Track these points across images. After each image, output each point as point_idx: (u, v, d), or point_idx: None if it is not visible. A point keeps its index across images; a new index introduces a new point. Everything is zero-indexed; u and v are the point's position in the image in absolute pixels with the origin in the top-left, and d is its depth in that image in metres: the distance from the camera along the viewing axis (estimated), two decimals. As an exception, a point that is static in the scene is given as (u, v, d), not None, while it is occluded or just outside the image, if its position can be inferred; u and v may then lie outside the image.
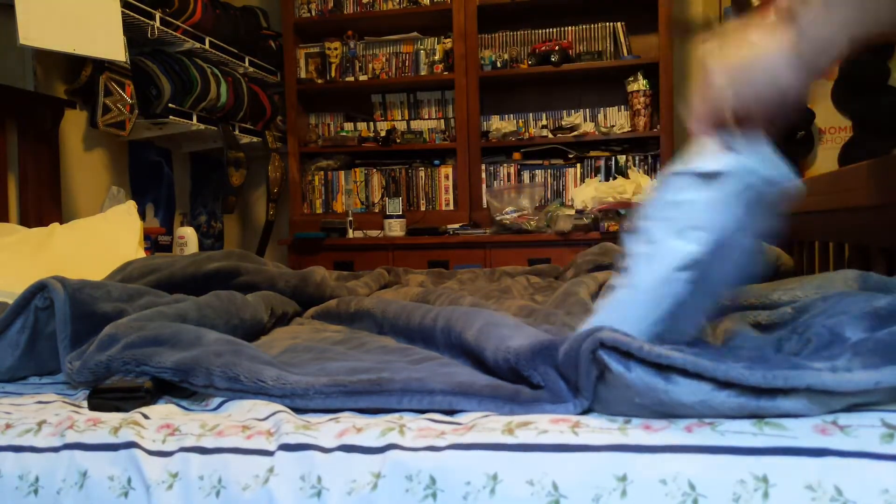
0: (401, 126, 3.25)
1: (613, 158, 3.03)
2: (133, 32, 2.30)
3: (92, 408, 0.68)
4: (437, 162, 3.19)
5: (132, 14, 2.23)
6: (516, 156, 3.12)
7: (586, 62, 2.96)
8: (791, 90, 0.57)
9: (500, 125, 3.13)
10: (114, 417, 0.64)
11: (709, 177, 0.58)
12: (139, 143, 2.67)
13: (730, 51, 0.61)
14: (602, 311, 0.64)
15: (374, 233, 3.07)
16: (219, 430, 0.60)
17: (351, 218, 3.05)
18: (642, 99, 2.92)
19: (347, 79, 3.21)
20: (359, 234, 3.08)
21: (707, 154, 0.59)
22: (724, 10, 2.88)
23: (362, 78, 3.20)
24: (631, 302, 0.61)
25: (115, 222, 1.77)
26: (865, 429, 0.48)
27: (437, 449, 0.54)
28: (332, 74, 3.23)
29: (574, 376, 0.56)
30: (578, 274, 1.52)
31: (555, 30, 3.08)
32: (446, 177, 3.18)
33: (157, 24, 2.35)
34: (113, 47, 2.03)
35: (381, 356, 0.81)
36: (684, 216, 0.59)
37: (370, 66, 3.22)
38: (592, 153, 3.06)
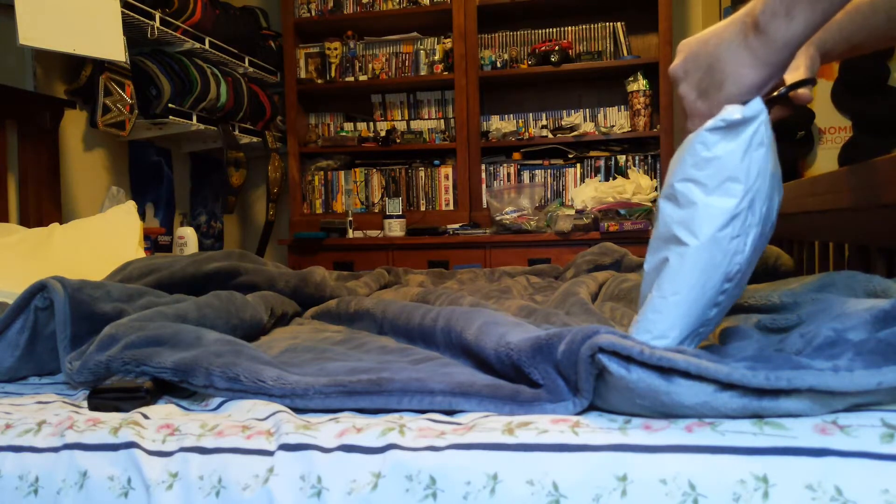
0: (401, 126, 3.25)
1: (613, 158, 3.03)
2: (133, 32, 2.30)
3: (92, 408, 0.68)
4: (437, 162, 3.19)
5: (132, 14, 2.23)
6: (516, 156, 3.13)
7: (586, 62, 2.96)
8: (759, 87, 0.59)
9: (500, 125, 3.13)
10: (114, 417, 0.64)
11: (736, 125, 0.58)
12: (139, 143, 2.67)
13: (694, 62, 0.63)
14: (659, 285, 0.62)
15: (374, 233, 3.07)
16: (219, 430, 0.60)
17: (351, 218, 3.05)
18: (642, 99, 2.92)
19: (347, 79, 3.21)
20: (359, 234, 3.08)
21: (727, 108, 0.59)
22: (723, 10, 2.89)
23: (362, 78, 3.20)
24: (685, 268, 0.60)
25: (115, 222, 1.77)
26: (865, 429, 0.48)
27: (437, 449, 0.54)
28: (332, 74, 3.23)
29: (573, 376, 0.56)
30: (578, 274, 1.52)
31: (555, 30, 3.08)
32: (446, 177, 3.18)
33: (157, 24, 2.35)
34: (113, 47, 2.03)
35: (381, 356, 0.81)
36: (719, 171, 0.58)
37: (370, 66, 3.22)
38: (592, 153, 3.06)
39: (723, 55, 0.60)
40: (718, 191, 0.59)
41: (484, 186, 3.12)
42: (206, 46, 2.65)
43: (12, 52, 2.06)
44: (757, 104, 0.58)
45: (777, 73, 0.59)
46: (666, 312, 0.61)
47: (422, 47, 3.18)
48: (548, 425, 0.54)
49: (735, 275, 0.61)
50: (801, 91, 0.66)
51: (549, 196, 3.12)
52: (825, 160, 2.65)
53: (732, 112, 0.58)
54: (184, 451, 0.58)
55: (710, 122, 0.59)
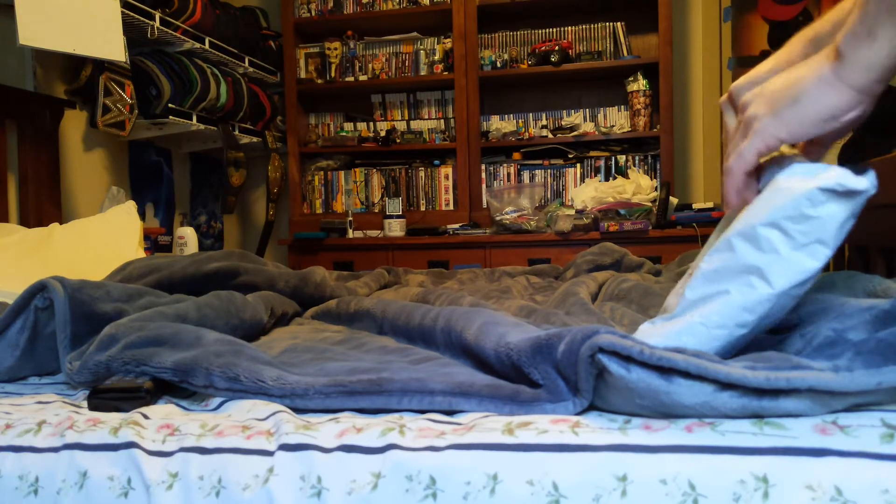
0: (401, 126, 3.25)
1: (613, 158, 3.03)
2: (133, 32, 2.30)
3: (92, 408, 0.68)
4: (437, 162, 3.19)
5: (132, 14, 2.23)
6: (516, 156, 3.13)
7: (586, 62, 2.96)
8: (839, 111, 0.57)
9: (500, 125, 3.13)
10: (114, 417, 0.64)
11: (850, 194, 0.56)
12: (139, 143, 2.67)
13: (770, 85, 0.60)
14: (707, 313, 0.61)
15: (374, 233, 3.07)
16: (219, 430, 0.60)
17: (351, 218, 3.05)
18: (642, 99, 2.92)
19: (347, 79, 3.21)
20: (359, 234, 3.08)
21: (839, 171, 0.57)
22: (723, 10, 2.89)
23: (362, 78, 3.20)
24: (744, 309, 0.59)
25: (115, 222, 1.77)
26: (865, 429, 0.48)
27: (437, 449, 0.53)
28: (332, 74, 3.23)
29: (573, 376, 0.56)
30: (578, 274, 1.52)
31: (555, 30, 3.08)
32: (446, 177, 3.18)
33: (157, 24, 2.35)
34: (113, 47, 2.03)
35: (381, 356, 0.81)
36: (814, 230, 0.57)
37: (370, 66, 3.22)
38: (592, 153, 3.06)
39: (805, 76, 0.57)
40: (806, 249, 0.57)
41: (484, 186, 3.12)
42: (206, 46, 2.65)
43: (12, 52, 2.06)
44: (874, 178, 0.56)
45: (862, 101, 0.56)
46: (702, 340, 0.60)
47: (422, 47, 3.18)
48: (548, 425, 0.54)
49: (774, 324, 0.61)
50: None
51: (549, 196, 3.12)
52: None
53: (854, 181, 0.56)
54: (184, 451, 0.58)
55: (825, 182, 0.56)
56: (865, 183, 0.56)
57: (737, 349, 0.62)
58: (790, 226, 0.57)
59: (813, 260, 0.57)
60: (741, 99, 0.63)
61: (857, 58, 0.54)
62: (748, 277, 0.59)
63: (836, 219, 0.56)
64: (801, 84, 0.58)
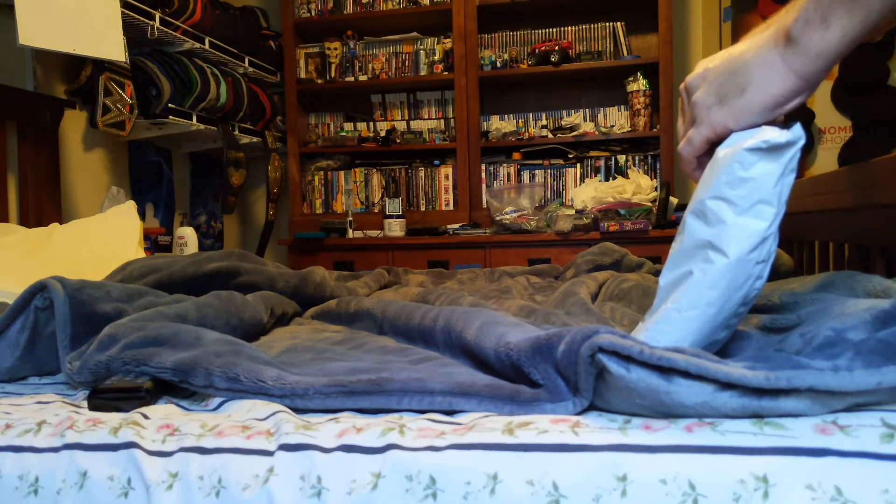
0: (401, 126, 3.25)
1: (613, 158, 3.03)
2: (133, 32, 2.30)
3: (92, 408, 0.68)
4: (437, 162, 3.19)
5: (132, 14, 2.23)
6: (516, 156, 3.13)
7: (586, 62, 2.96)
8: (785, 100, 0.57)
9: (499, 125, 3.13)
10: (114, 417, 0.64)
11: (777, 148, 0.56)
12: (139, 143, 2.67)
13: (714, 65, 0.61)
14: (677, 298, 0.61)
15: (374, 233, 3.07)
16: (219, 430, 0.60)
17: (351, 218, 3.05)
18: (642, 99, 2.92)
19: (347, 79, 3.21)
20: (359, 234, 3.08)
21: (765, 129, 0.57)
22: (723, 9, 2.89)
23: (362, 78, 3.20)
24: (707, 284, 0.59)
25: (115, 222, 1.77)
26: (865, 429, 0.48)
27: (437, 449, 0.53)
28: (332, 74, 3.23)
29: (573, 376, 0.56)
30: (578, 274, 1.52)
31: (555, 30, 3.08)
32: (446, 177, 3.18)
33: (157, 24, 2.35)
34: (113, 47, 2.03)
35: (381, 356, 0.81)
36: (752, 192, 0.57)
37: (370, 66, 3.22)
38: (592, 153, 3.06)
39: (750, 60, 0.57)
40: (750, 212, 0.57)
41: (484, 186, 3.12)
42: (206, 46, 2.65)
43: (12, 52, 2.06)
44: (798, 130, 0.56)
45: (807, 89, 0.56)
46: (678, 325, 0.60)
47: (422, 47, 3.18)
48: (548, 425, 0.54)
49: (751, 300, 0.61)
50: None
51: (549, 196, 3.12)
52: (825, 160, 2.65)
53: (777, 134, 0.56)
54: (184, 451, 0.58)
55: (750, 142, 0.56)
56: (788, 135, 0.56)
57: (715, 330, 0.62)
58: (730, 192, 0.58)
59: (760, 221, 0.57)
60: (688, 82, 0.64)
61: (809, 45, 0.53)
62: (705, 253, 0.59)
63: (770, 176, 0.57)
64: (746, 71, 0.57)
